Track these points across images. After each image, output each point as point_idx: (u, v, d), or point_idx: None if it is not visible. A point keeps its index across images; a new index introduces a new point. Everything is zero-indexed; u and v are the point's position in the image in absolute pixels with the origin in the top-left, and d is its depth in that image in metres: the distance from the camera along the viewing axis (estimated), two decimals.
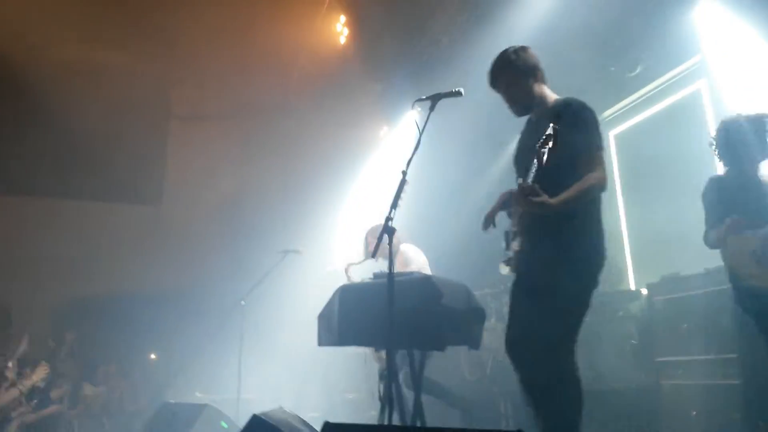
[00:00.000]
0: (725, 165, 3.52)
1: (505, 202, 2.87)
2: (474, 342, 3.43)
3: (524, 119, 2.96)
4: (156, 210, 8.74)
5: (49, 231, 7.82)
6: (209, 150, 8.92)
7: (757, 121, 3.37)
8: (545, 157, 2.33)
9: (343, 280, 4.28)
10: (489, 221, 2.88)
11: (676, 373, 4.16)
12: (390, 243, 2.88)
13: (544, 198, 2.41)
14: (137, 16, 7.44)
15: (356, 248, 4.97)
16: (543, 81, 2.86)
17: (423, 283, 3.21)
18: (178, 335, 7.39)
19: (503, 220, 2.89)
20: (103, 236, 8.07)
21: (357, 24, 7.54)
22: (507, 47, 2.88)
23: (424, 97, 3.07)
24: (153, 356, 7.69)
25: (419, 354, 3.44)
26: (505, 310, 4.34)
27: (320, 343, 3.55)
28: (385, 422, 2.83)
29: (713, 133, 3.61)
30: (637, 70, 5.78)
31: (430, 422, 3.39)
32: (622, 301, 5.17)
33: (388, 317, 2.74)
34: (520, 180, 2.62)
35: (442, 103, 3.02)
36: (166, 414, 4.76)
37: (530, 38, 5.10)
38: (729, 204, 3.30)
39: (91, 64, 8.02)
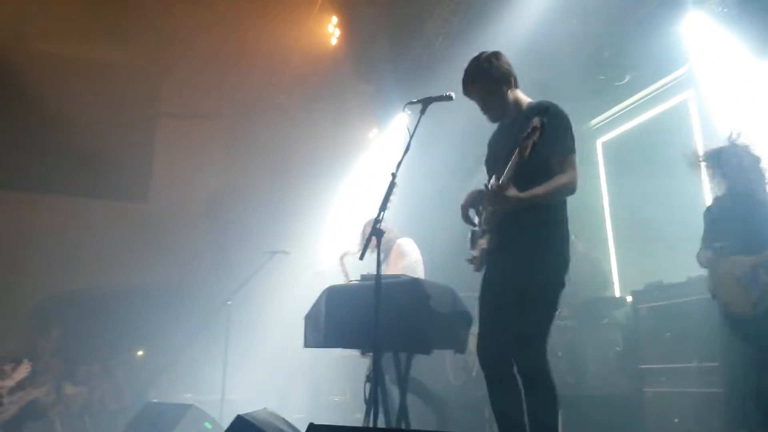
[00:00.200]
0: (720, 185, 3.53)
1: (473, 200, 2.89)
2: (460, 346, 3.43)
3: None
4: (142, 207, 8.67)
5: (34, 227, 7.73)
6: (197, 148, 8.88)
7: (746, 149, 3.40)
8: (528, 150, 2.34)
9: (329, 281, 4.27)
10: (467, 221, 2.90)
11: (659, 380, 4.19)
12: (378, 245, 2.89)
13: (515, 192, 2.47)
14: (128, 13, 7.40)
15: (353, 240, 4.92)
16: (516, 86, 2.87)
17: (410, 285, 3.21)
18: (162, 334, 7.32)
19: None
20: (88, 233, 7.98)
21: (349, 25, 7.54)
22: (479, 53, 2.87)
23: (415, 100, 3.08)
24: (140, 353, 7.62)
25: (405, 357, 3.44)
26: None
27: (306, 345, 3.53)
28: (371, 424, 2.82)
29: (698, 146, 3.65)
30: (626, 79, 5.84)
31: (416, 425, 3.39)
32: (607, 308, 5.19)
33: (375, 319, 2.74)
34: (493, 181, 2.65)
35: (433, 106, 3.03)
36: (149, 414, 4.72)
37: (522, 42, 5.17)
38: (722, 226, 3.35)
39: (79, 60, 7.96)
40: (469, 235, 2.89)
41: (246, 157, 9.02)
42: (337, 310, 3.38)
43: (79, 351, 7.05)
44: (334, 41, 7.72)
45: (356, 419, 5.77)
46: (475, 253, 2.78)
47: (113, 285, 7.80)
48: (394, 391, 3.77)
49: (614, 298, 5.60)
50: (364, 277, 3.50)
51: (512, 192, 2.49)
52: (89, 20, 7.38)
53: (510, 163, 2.47)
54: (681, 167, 3.86)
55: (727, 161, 3.42)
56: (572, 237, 2.76)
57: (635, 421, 4.27)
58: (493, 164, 2.84)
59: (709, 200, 4.11)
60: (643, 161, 5.79)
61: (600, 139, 6.56)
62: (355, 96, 8.49)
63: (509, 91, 2.83)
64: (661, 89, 5.75)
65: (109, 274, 7.81)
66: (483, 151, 3.03)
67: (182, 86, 8.81)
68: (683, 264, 3.95)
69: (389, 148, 7.56)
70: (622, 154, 6.30)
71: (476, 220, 2.89)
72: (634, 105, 6.10)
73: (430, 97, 3.03)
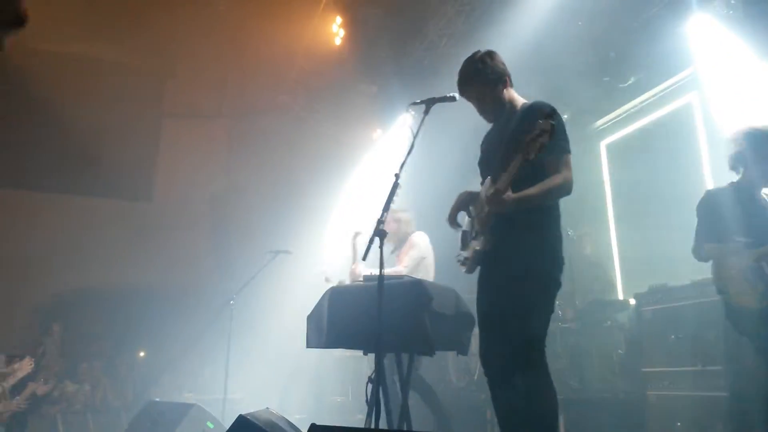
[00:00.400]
0: (738, 170, 3.40)
1: (463, 202, 2.88)
2: (462, 347, 3.42)
3: None
4: (146, 207, 8.69)
5: (38, 226, 7.75)
6: (201, 148, 8.90)
7: None
8: (535, 153, 2.32)
9: (331, 283, 4.28)
10: (453, 223, 2.88)
11: (662, 383, 4.17)
12: (381, 246, 2.88)
13: (510, 194, 2.47)
14: (133, 13, 7.41)
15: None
16: (511, 85, 2.86)
17: (413, 286, 3.21)
18: (165, 333, 7.34)
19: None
20: (91, 233, 8.00)
21: (353, 25, 7.53)
22: (473, 53, 2.85)
23: (419, 100, 3.08)
24: (142, 354, 7.63)
25: (407, 358, 3.43)
26: None
27: (309, 345, 3.52)
28: (372, 426, 2.81)
29: (702, 141, 3.57)
30: (630, 81, 5.83)
31: (417, 426, 3.38)
32: (610, 311, 5.18)
33: (377, 320, 2.74)
34: (488, 183, 2.62)
35: (437, 107, 3.03)
36: (151, 413, 4.73)
37: (526, 44, 5.15)
38: (724, 219, 3.30)
39: (84, 60, 7.98)
40: (460, 236, 2.88)
41: (249, 157, 9.02)
42: (340, 311, 3.37)
43: (82, 349, 7.07)
44: (338, 41, 7.72)
45: (358, 420, 5.76)
46: (467, 254, 2.76)
47: (116, 284, 7.81)
48: (397, 392, 3.77)
49: (617, 300, 5.58)
50: (366, 278, 3.50)
51: (508, 194, 2.48)
52: (94, 20, 7.40)
53: (511, 164, 2.46)
54: (685, 167, 3.83)
55: (759, 146, 3.31)
56: (569, 232, 2.74)
57: (638, 425, 4.25)
58: (487, 166, 2.83)
59: None
60: (647, 162, 5.77)
61: (604, 140, 6.55)
62: (358, 96, 8.49)
63: (504, 91, 2.81)
64: (666, 91, 5.73)
65: (113, 273, 7.83)
66: None
67: (186, 86, 8.84)
68: (687, 267, 3.93)
69: (393, 149, 7.56)
70: (627, 155, 6.28)
71: (466, 221, 2.87)
72: (638, 107, 6.08)
73: (433, 98, 3.02)
